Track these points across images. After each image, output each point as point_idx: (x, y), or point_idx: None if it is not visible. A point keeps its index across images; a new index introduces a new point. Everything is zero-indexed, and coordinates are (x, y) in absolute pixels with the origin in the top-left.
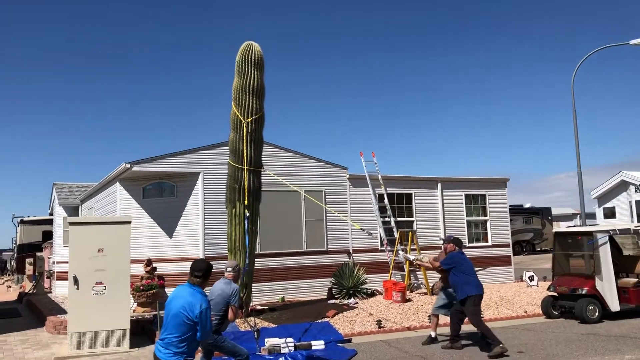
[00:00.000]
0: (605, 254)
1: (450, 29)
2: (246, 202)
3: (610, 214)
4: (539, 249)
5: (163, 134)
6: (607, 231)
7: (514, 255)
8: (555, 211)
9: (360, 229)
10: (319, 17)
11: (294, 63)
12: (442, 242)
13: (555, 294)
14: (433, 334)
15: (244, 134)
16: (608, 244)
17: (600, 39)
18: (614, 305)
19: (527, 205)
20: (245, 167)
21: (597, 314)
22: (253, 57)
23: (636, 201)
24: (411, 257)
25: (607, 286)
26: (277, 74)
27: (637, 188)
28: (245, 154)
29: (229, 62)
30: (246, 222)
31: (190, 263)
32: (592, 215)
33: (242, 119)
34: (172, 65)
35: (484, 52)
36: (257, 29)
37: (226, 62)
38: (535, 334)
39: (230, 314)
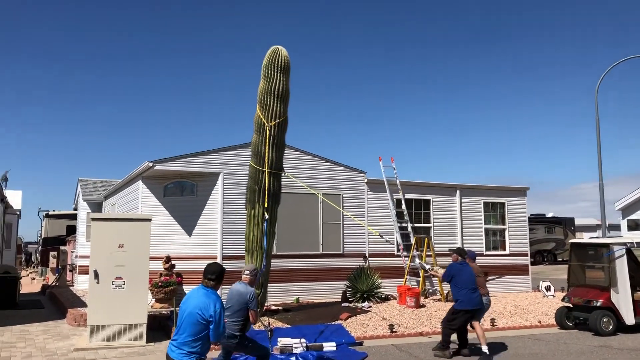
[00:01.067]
0: (621, 267)
1: (476, 34)
2: (266, 205)
3: (634, 225)
4: (560, 259)
5: (185, 132)
6: (624, 244)
7: (535, 264)
8: (578, 221)
9: (379, 235)
10: (341, 18)
11: (315, 65)
12: (451, 252)
13: (570, 304)
14: (485, 348)
15: (267, 137)
16: (625, 256)
17: (629, 46)
18: (629, 318)
19: (549, 215)
20: (266, 170)
21: (611, 327)
22: (280, 62)
23: None
24: (427, 266)
25: (623, 299)
26: (298, 75)
27: None
28: (267, 157)
29: (252, 62)
30: (265, 224)
31: (209, 262)
32: (617, 227)
33: (265, 122)
34: (196, 65)
35: (509, 56)
36: (281, 29)
37: (249, 62)
38: (547, 345)
39: (251, 318)
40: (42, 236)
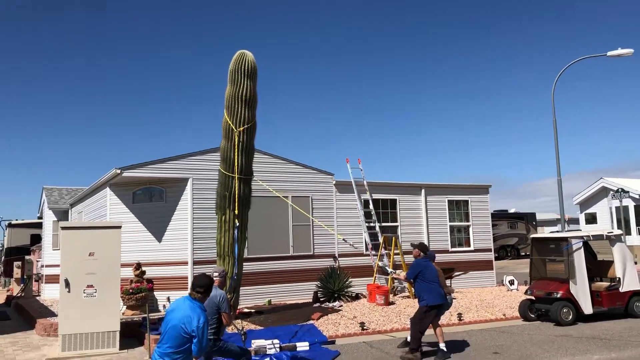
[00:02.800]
0: (579, 259)
1: (436, 34)
2: (236, 212)
3: (591, 219)
4: (523, 254)
5: (153, 139)
6: (581, 237)
7: (499, 259)
8: (540, 216)
9: (343, 239)
10: (305, 23)
11: (280, 69)
12: (412, 247)
13: (532, 297)
14: (409, 338)
15: (235, 143)
16: (582, 249)
17: (587, 48)
18: (587, 308)
19: (512, 211)
20: (236, 176)
21: (571, 317)
22: (246, 66)
23: (616, 207)
24: (389, 269)
25: (581, 290)
26: (264, 77)
27: (614, 195)
28: (236, 163)
29: (216, 67)
30: (236, 231)
31: (180, 267)
32: (577, 221)
33: (234, 127)
34: (163, 68)
35: (470, 57)
36: (245, 34)
37: (217, 65)
38: (512, 336)
39: (224, 321)
40: (5, 246)
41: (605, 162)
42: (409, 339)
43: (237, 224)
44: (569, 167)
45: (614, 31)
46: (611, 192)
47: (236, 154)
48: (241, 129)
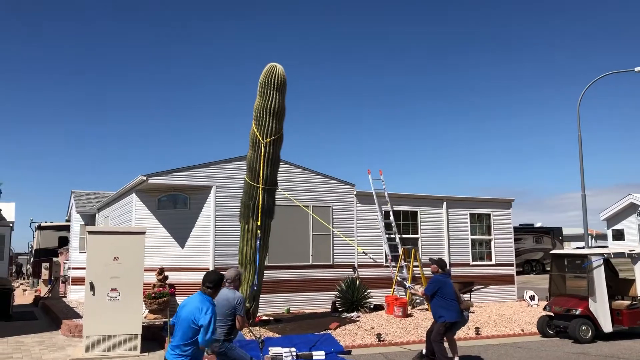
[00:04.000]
0: (599, 276)
1: (463, 46)
2: (259, 222)
3: (619, 235)
4: (548, 269)
5: (179, 145)
6: (601, 254)
7: (523, 274)
8: (567, 231)
9: (363, 252)
10: (324, 28)
11: (305, 78)
12: (431, 263)
13: (551, 313)
14: (424, 351)
15: (262, 154)
16: (602, 266)
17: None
18: (607, 326)
19: (537, 225)
20: (261, 186)
21: (589, 334)
22: (276, 79)
23: None
24: (407, 284)
25: (600, 307)
26: (288, 88)
27: (639, 212)
28: (261, 173)
29: (249, 75)
30: (258, 242)
31: (202, 273)
32: (605, 237)
33: (261, 139)
34: (192, 76)
35: (497, 67)
36: (276, 42)
37: (245, 75)
38: (528, 352)
39: (237, 324)
40: (34, 248)
41: (637, 176)
42: (424, 352)
43: (260, 235)
44: (601, 181)
45: None
46: (639, 209)
47: (262, 164)
48: (268, 140)
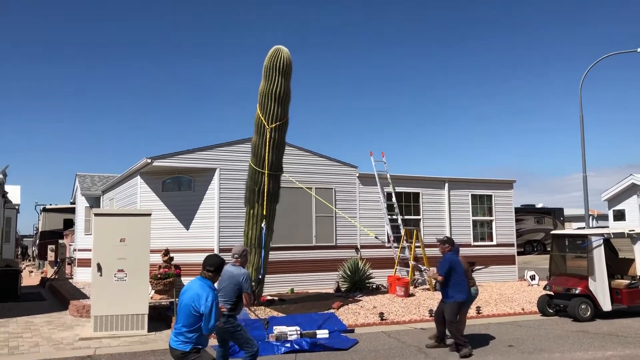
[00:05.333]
0: (599, 256)
1: (466, 29)
2: (264, 208)
3: (620, 216)
4: (549, 249)
5: (183, 127)
6: (601, 234)
7: (524, 254)
8: (568, 212)
9: (375, 237)
10: (329, 15)
11: (307, 63)
12: (439, 242)
13: (551, 292)
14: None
15: (267, 139)
16: (602, 246)
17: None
18: (606, 305)
19: (539, 205)
20: (266, 172)
21: (589, 313)
22: (281, 63)
23: None
24: (423, 267)
25: (600, 287)
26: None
27: (639, 192)
28: (267, 159)
29: (253, 57)
30: (263, 232)
31: (207, 254)
32: (605, 217)
33: (266, 124)
34: (196, 58)
35: (499, 49)
36: (280, 25)
37: (250, 57)
38: (528, 330)
39: (244, 301)
40: (39, 230)
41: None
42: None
43: (264, 226)
44: (604, 162)
45: None
46: (638, 190)
47: (267, 150)
48: (273, 125)
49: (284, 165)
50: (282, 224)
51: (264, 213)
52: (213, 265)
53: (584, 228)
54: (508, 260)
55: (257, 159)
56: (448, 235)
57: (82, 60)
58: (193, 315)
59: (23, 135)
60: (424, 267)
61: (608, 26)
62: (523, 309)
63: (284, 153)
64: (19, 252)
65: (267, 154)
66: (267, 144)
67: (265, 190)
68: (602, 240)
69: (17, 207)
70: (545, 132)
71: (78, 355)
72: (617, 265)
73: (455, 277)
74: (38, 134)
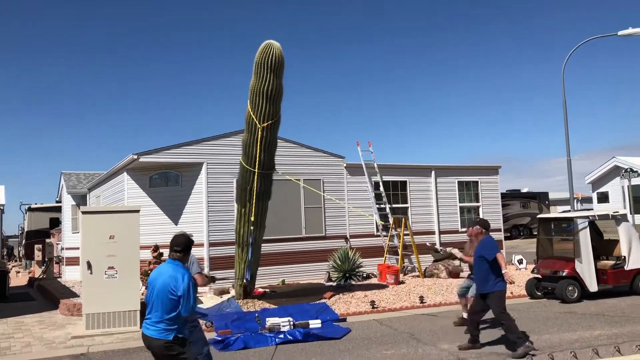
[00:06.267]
0: (585, 238)
1: (448, 14)
2: (253, 207)
3: (603, 198)
4: (535, 233)
5: (167, 123)
6: (587, 217)
7: (511, 239)
8: (553, 195)
9: (368, 215)
10: (317, 8)
11: (293, 56)
12: (471, 225)
13: (539, 275)
14: (465, 315)
15: (258, 138)
16: (588, 228)
17: (601, 26)
18: (592, 286)
19: (524, 190)
20: (257, 171)
21: (576, 294)
22: (272, 59)
23: (629, 186)
24: (439, 248)
25: (586, 268)
26: None
27: (622, 175)
28: (257, 158)
29: (240, 50)
30: (251, 239)
31: (197, 248)
32: (590, 200)
33: (257, 122)
34: (182, 53)
35: (483, 35)
36: (267, 17)
37: (237, 49)
38: (517, 313)
39: (198, 281)
40: (25, 229)
41: (622, 139)
42: (464, 315)
43: (251, 231)
44: (588, 145)
45: (628, 9)
46: (622, 172)
47: (258, 149)
48: (265, 124)
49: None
50: (271, 215)
51: (254, 211)
52: (180, 245)
53: (569, 211)
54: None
55: (248, 158)
56: (435, 223)
57: (66, 57)
58: (171, 300)
59: (5, 134)
60: (441, 248)
61: (592, 11)
62: (512, 293)
63: (275, 151)
64: (5, 253)
65: (258, 153)
66: (259, 142)
67: (256, 189)
68: (587, 223)
69: (1, 208)
70: (530, 117)
71: (71, 354)
72: (603, 247)
73: (494, 263)
74: (21, 133)
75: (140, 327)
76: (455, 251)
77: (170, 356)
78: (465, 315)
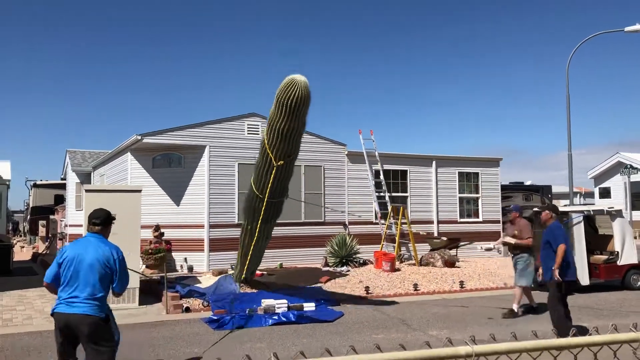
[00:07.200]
0: (579, 232)
1: (451, 6)
2: (255, 236)
3: (605, 193)
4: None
5: (174, 104)
6: (581, 211)
7: None
8: (557, 189)
9: (359, 217)
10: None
11: (297, 43)
12: (539, 211)
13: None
14: (515, 307)
15: (273, 173)
16: (582, 223)
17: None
18: (584, 279)
19: (527, 183)
20: (266, 199)
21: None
22: (295, 99)
23: (631, 182)
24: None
25: (579, 262)
26: (281, 54)
27: (623, 171)
28: (269, 189)
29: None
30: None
31: (197, 230)
32: (592, 195)
33: (272, 158)
34: (188, 36)
35: (486, 26)
36: (265, 5)
37: (243, 36)
38: (509, 304)
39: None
40: (30, 205)
41: (630, 134)
42: (514, 307)
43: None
44: (594, 140)
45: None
46: (628, 168)
47: (271, 181)
48: (280, 163)
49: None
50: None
51: (257, 232)
52: (99, 217)
53: (566, 205)
54: (493, 236)
55: (258, 184)
56: (435, 212)
57: (74, 37)
58: (107, 275)
59: (12, 110)
60: (508, 239)
61: (598, 6)
62: (505, 284)
63: (290, 179)
64: (10, 228)
65: (270, 184)
66: (272, 176)
67: (263, 214)
68: (581, 217)
69: (7, 183)
70: (540, 109)
71: None
72: (597, 241)
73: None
74: (28, 110)
75: (139, 305)
76: (508, 238)
77: (100, 334)
78: (515, 307)
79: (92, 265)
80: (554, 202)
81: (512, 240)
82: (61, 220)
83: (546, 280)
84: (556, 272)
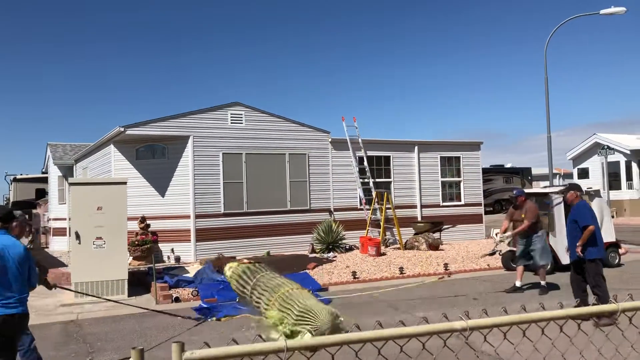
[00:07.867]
0: (559, 213)
1: None
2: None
3: (584, 174)
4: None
5: (156, 95)
6: (561, 192)
7: (494, 213)
8: (536, 171)
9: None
10: None
11: (280, 32)
12: (564, 191)
13: (514, 249)
14: (518, 283)
15: None
16: (562, 204)
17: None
18: (565, 259)
19: (508, 165)
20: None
21: (549, 267)
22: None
23: (608, 162)
24: (507, 235)
25: (560, 242)
26: (263, 43)
27: (599, 152)
28: None
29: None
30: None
31: (183, 220)
32: (571, 176)
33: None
34: (170, 26)
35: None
36: None
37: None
38: (492, 285)
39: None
40: (11, 200)
41: (608, 115)
42: (517, 284)
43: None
44: (573, 121)
45: None
46: (605, 148)
47: None
48: None
49: (258, 132)
50: (257, 189)
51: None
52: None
53: (546, 187)
54: (475, 219)
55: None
56: (418, 197)
57: (53, 30)
58: (29, 270)
59: None
60: (506, 235)
61: None
62: (489, 265)
63: None
64: None
65: None
66: None
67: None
68: (562, 198)
69: None
70: (520, 93)
71: (61, 320)
72: None
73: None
74: (4, 103)
75: (128, 296)
76: (508, 234)
77: (22, 329)
78: (518, 283)
79: (19, 262)
80: (534, 183)
81: (509, 233)
82: (44, 215)
83: (571, 260)
84: (579, 249)
